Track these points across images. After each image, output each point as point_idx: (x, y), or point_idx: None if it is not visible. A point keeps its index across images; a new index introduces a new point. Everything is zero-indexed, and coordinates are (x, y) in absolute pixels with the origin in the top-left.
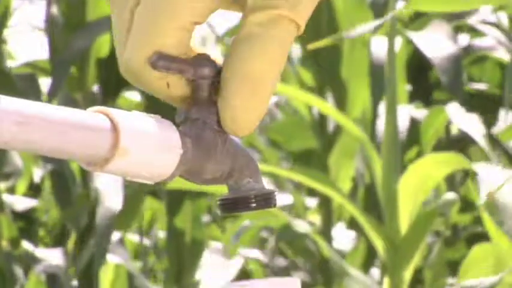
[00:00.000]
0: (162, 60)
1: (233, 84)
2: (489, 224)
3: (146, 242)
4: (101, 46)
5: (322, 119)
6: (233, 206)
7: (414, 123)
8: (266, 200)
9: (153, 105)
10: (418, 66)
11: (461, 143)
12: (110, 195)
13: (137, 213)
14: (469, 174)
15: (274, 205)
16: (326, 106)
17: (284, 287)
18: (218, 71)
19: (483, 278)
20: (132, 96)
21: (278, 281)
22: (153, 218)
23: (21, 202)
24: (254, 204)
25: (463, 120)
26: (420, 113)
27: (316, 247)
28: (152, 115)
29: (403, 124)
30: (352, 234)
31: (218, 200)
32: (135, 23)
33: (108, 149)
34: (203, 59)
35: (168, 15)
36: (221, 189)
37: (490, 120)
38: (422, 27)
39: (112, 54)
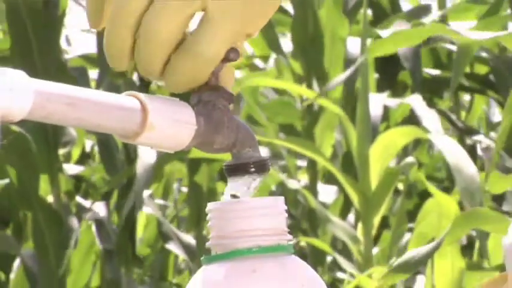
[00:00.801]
0: (233, 53)
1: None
2: (433, 189)
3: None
4: None
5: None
6: (235, 170)
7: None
8: (262, 166)
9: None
10: (385, 60)
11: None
12: (146, 152)
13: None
14: (419, 144)
15: (268, 170)
16: (310, 92)
17: (272, 203)
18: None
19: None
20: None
21: (268, 198)
22: (173, 177)
23: (73, 168)
24: (253, 169)
25: (423, 114)
26: (392, 101)
27: (304, 200)
28: (173, 98)
29: (376, 107)
30: (333, 189)
31: (224, 165)
32: (218, 24)
33: (138, 125)
34: None
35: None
36: (227, 156)
37: (437, 98)
38: (388, 26)
39: None
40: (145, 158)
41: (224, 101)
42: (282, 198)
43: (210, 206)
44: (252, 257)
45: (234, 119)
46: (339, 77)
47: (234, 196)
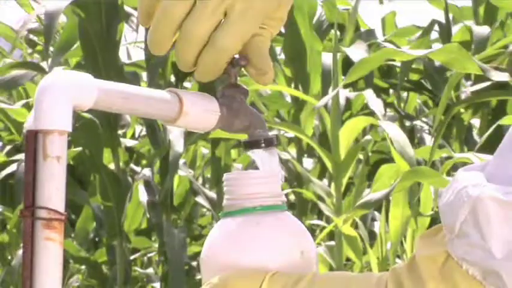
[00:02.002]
0: (242, 60)
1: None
2: (394, 154)
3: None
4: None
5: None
6: (250, 145)
7: (348, 99)
8: (270, 142)
9: (203, 88)
10: (349, 66)
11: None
12: (177, 144)
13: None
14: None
15: (275, 144)
16: (296, 91)
17: (271, 174)
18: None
19: (384, 188)
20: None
21: (267, 171)
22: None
23: (129, 142)
24: (263, 145)
25: (373, 102)
26: (351, 94)
27: (293, 166)
28: (203, 93)
29: (342, 99)
30: (312, 159)
31: (242, 141)
32: (234, 25)
33: (176, 113)
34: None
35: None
36: (243, 136)
37: (386, 95)
38: (351, 44)
39: None
40: (176, 145)
41: (241, 95)
42: (279, 170)
43: (225, 176)
44: (256, 213)
45: (249, 108)
46: (327, 96)
47: (255, 167)
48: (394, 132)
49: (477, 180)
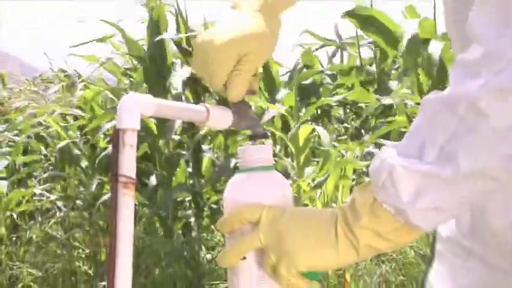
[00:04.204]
0: (255, 87)
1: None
2: (333, 147)
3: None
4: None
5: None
6: (252, 137)
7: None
8: (264, 136)
9: (221, 103)
10: (304, 91)
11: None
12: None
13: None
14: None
15: (267, 137)
16: (271, 105)
17: (266, 147)
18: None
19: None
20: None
21: (264, 145)
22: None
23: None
24: (259, 137)
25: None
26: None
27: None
28: (222, 106)
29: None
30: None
31: (247, 135)
32: (235, 80)
33: (205, 118)
34: None
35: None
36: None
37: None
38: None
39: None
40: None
41: (246, 107)
42: (270, 145)
43: (239, 148)
44: (257, 171)
45: (250, 115)
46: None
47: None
48: (322, 133)
49: (393, 154)
